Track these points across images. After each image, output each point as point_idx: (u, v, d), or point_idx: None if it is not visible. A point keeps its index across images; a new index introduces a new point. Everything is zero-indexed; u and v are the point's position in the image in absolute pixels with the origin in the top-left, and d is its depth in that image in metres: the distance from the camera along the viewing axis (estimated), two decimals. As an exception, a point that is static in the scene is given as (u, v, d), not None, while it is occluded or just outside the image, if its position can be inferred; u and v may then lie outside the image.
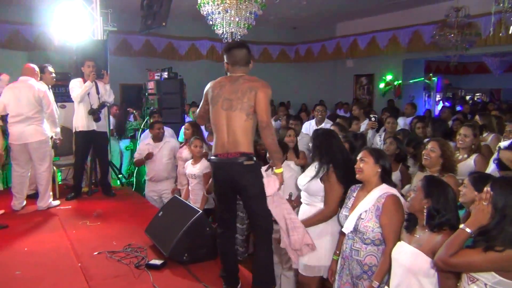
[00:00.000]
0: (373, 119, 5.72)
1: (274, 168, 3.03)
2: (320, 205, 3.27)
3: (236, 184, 2.92)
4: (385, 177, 2.87)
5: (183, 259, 3.48)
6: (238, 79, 2.97)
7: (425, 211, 2.35)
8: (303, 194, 3.44)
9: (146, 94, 8.21)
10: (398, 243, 2.51)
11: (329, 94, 13.55)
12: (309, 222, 3.24)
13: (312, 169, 3.34)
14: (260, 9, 6.24)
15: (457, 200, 2.47)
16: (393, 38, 11.26)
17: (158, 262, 3.50)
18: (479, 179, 2.59)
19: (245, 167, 2.86)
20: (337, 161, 3.21)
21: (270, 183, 2.94)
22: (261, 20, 7.85)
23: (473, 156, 3.98)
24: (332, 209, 3.19)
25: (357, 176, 2.91)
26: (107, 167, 6.12)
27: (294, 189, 3.72)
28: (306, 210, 3.37)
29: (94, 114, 5.59)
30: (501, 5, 5.27)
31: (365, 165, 2.85)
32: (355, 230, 2.80)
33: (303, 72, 14.67)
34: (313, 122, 6.45)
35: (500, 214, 1.95)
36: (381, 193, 2.79)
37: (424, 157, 3.41)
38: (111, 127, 8.01)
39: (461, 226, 2.06)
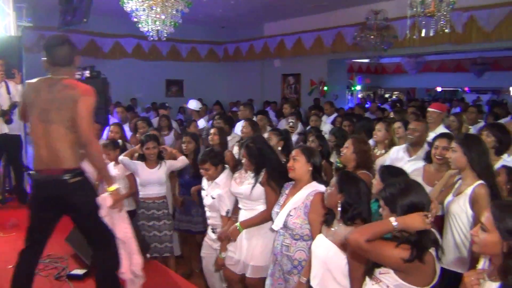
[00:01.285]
0: (291, 123, 5.81)
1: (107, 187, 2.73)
2: (261, 208, 3.29)
3: (64, 203, 2.64)
4: (315, 175, 2.95)
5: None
6: (57, 83, 2.61)
7: (339, 205, 2.42)
8: (242, 201, 3.42)
9: (67, 93, 7.71)
10: (317, 237, 2.58)
11: (257, 93, 13.70)
12: (252, 223, 3.27)
13: (248, 177, 3.34)
14: (186, 7, 6.13)
15: (370, 194, 2.57)
16: (318, 39, 11.63)
17: (80, 272, 3.33)
18: (386, 172, 2.75)
19: (71, 185, 2.59)
20: (272, 164, 3.26)
21: (102, 202, 2.68)
22: (189, 19, 7.72)
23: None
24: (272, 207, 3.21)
25: (289, 174, 2.96)
26: (22, 173, 5.66)
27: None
28: (247, 216, 3.35)
29: (4, 116, 5.15)
30: (415, 9, 5.62)
31: (297, 164, 2.90)
32: (285, 226, 2.85)
33: (231, 71, 14.72)
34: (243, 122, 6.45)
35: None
36: (310, 190, 2.86)
37: (341, 154, 3.55)
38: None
39: (391, 218, 2.02)
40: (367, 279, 2.13)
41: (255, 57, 13.67)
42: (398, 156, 4.04)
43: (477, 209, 2.67)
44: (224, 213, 3.53)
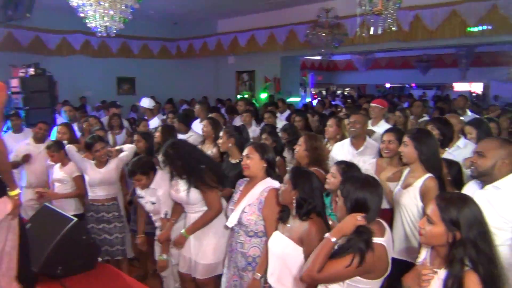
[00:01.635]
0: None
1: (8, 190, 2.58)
2: (205, 208, 3.26)
3: None
4: (269, 171, 2.96)
5: (56, 273, 3.16)
6: None
7: (294, 201, 2.46)
8: (186, 206, 3.37)
9: (10, 92, 7.34)
10: (274, 233, 2.61)
11: (211, 91, 13.61)
12: (196, 227, 3.23)
13: (181, 183, 3.28)
14: (136, 2, 5.96)
15: (322, 188, 2.63)
16: (271, 36, 11.71)
17: (28, 278, 3.13)
18: (347, 169, 2.83)
19: None
20: (198, 166, 3.19)
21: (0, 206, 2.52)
22: (140, 15, 7.53)
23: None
24: (216, 209, 3.21)
25: (244, 172, 2.96)
26: None
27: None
28: (195, 218, 3.30)
29: None
30: (364, 8, 5.77)
31: (251, 162, 2.90)
32: (239, 223, 2.85)
33: (185, 68, 14.51)
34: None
35: (349, 210, 2.10)
36: (264, 186, 2.87)
37: (295, 151, 3.60)
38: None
39: (327, 234, 2.12)
40: None
41: (208, 54, 13.56)
42: (343, 150, 4.12)
43: (426, 202, 2.77)
44: (162, 215, 3.48)
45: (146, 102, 7.02)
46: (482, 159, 2.46)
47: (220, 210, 3.22)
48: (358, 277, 2.06)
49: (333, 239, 2.07)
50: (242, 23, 12.38)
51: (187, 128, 5.48)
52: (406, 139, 2.97)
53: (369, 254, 1.99)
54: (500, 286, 1.75)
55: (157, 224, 3.63)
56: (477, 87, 18.12)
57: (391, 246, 2.20)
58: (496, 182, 2.44)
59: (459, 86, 18.11)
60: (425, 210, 2.72)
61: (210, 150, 4.46)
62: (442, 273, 1.85)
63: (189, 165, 3.19)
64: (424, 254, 2.04)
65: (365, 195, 2.08)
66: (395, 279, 2.23)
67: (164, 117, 6.98)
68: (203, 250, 3.24)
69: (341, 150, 4.14)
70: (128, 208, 4.43)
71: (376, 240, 2.04)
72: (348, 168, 2.84)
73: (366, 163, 3.71)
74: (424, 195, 2.83)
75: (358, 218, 2.04)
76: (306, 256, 2.35)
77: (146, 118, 6.86)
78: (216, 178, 3.21)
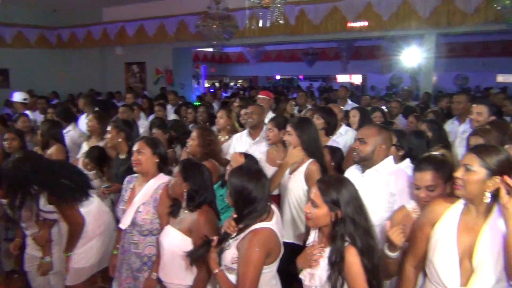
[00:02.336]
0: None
1: None
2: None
3: None
4: (162, 166, 2.86)
5: None
6: None
7: (185, 194, 2.43)
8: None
9: None
10: (165, 228, 2.55)
11: (99, 83, 12.81)
12: (71, 243, 3.01)
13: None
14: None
15: (212, 179, 2.62)
16: (161, 26, 11.36)
17: None
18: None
19: None
20: (42, 182, 2.91)
21: None
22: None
23: None
24: (75, 222, 2.98)
25: (135, 168, 2.80)
26: None
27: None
28: None
29: None
30: (252, 0, 5.86)
31: (143, 157, 2.77)
32: (133, 224, 2.72)
33: (68, 59, 13.42)
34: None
35: (235, 201, 2.18)
36: (158, 183, 2.77)
37: (187, 145, 3.57)
38: None
39: (214, 272, 2.18)
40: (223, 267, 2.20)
41: (94, 44, 12.72)
42: (242, 140, 4.23)
43: (310, 184, 2.97)
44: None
45: (17, 96, 6.42)
46: (363, 145, 2.64)
47: (81, 223, 2.99)
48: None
49: (216, 271, 2.16)
50: (130, 12, 11.80)
51: (67, 123, 5.11)
52: (289, 128, 3.16)
53: (259, 238, 2.08)
54: (374, 255, 1.95)
55: (28, 232, 3.27)
56: (356, 79, 19.73)
57: (281, 229, 2.30)
58: (375, 166, 2.64)
59: (341, 78, 19.54)
60: (308, 193, 2.90)
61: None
62: (327, 251, 2.01)
63: (28, 183, 2.85)
64: (313, 236, 2.17)
65: (250, 186, 2.13)
66: (285, 262, 2.34)
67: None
68: (87, 253, 3.06)
69: (239, 140, 4.24)
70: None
71: (262, 225, 2.12)
72: (248, 161, 2.87)
73: (256, 151, 3.80)
74: (307, 178, 3.04)
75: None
76: (195, 246, 2.35)
77: (22, 113, 6.21)
78: (76, 188, 2.97)
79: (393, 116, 5.94)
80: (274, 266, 2.22)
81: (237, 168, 2.33)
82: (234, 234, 2.17)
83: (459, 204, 1.94)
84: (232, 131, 4.51)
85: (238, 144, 4.18)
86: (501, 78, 16.55)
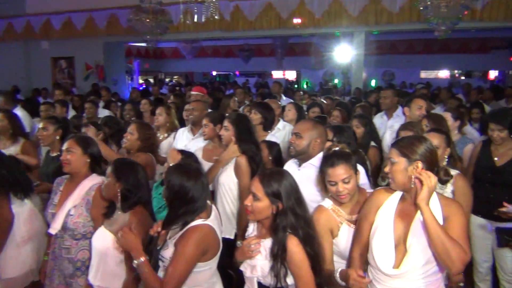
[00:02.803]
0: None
1: None
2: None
3: None
4: (94, 167, 2.74)
5: None
6: None
7: (118, 194, 2.33)
8: None
9: None
10: (97, 230, 2.44)
11: (23, 79, 11.98)
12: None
13: None
14: None
15: (147, 177, 2.55)
16: (90, 19, 10.85)
17: None
18: (184, 157, 2.81)
19: None
20: None
21: None
22: None
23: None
24: (3, 218, 2.78)
25: (64, 168, 2.66)
26: None
27: None
28: None
29: None
30: (186, -5, 5.79)
31: (73, 156, 2.63)
32: (64, 228, 2.58)
33: (-14, 53, 12.41)
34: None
35: (171, 200, 2.13)
36: (91, 184, 2.65)
37: (124, 140, 3.46)
38: None
39: (134, 263, 2.06)
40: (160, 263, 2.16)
41: (16, 37, 11.87)
42: (183, 136, 4.21)
43: (239, 175, 3.05)
44: None
45: None
46: (299, 139, 2.72)
47: (10, 221, 2.79)
48: (197, 263, 2.08)
49: (142, 259, 2.05)
50: (56, 4, 11.13)
51: None
52: (226, 123, 3.17)
53: (196, 235, 2.04)
54: (314, 243, 2.04)
55: None
56: (291, 75, 20.16)
57: (220, 225, 2.29)
58: (311, 159, 2.72)
59: (277, 74, 19.87)
60: (241, 184, 2.98)
61: (7, 146, 3.96)
62: (267, 242, 2.05)
63: None
64: (252, 228, 2.20)
65: (188, 185, 2.09)
66: (222, 257, 2.34)
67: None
68: (1, 265, 2.83)
69: (181, 136, 4.22)
70: None
71: (199, 222, 2.10)
72: (185, 158, 2.83)
73: (194, 147, 3.79)
74: (236, 171, 3.07)
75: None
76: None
77: None
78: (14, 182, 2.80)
79: (327, 112, 6.14)
80: (214, 263, 2.21)
81: (175, 166, 2.27)
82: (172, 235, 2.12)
83: (398, 193, 2.08)
84: (172, 129, 4.44)
85: (180, 139, 4.18)
86: (424, 74, 17.74)
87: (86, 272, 2.54)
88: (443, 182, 2.44)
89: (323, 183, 2.33)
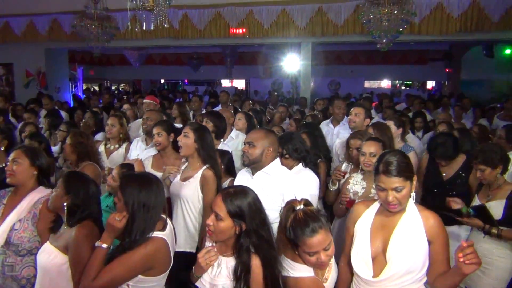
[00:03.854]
0: None
1: None
2: None
3: None
4: (41, 179, 2.63)
5: None
6: None
7: (65, 207, 2.24)
8: None
9: None
10: (43, 245, 2.32)
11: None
12: None
13: None
14: None
15: (99, 193, 2.46)
16: (31, 24, 10.38)
17: None
18: (126, 171, 2.77)
19: None
20: None
21: None
22: None
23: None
24: None
25: (8, 180, 2.53)
26: None
27: None
28: None
29: None
30: (134, 2, 5.67)
31: (19, 168, 2.52)
32: (7, 243, 2.44)
33: None
34: None
35: (131, 212, 2.03)
36: (38, 197, 2.54)
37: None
38: None
39: (97, 243, 2.03)
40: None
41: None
42: (137, 146, 4.14)
43: (206, 190, 2.96)
44: None
45: None
46: (252, 148, 2.73)
47: None
48: (141, 276, 2.03)
49: (104, 246, 2.01)
50: (-8, 7, 10.56)
51: None
52: (187, 130, 3.07)
53: (147, 248, 1.98)
54: (276, 265, 1.98)
55: None
56: (240, 84, 20.30)
57: (174, 240, 2.23)
58: (265, 168, 2.75)
59: (226, 83, 19.93)
60: (206, 199, 2.90)
61: None
62: (229, 261, 2.00)
63: None
64: (209, 242, 2.16)
65: (147, 194, 2.05)
66: (180, 270, 2.30)
67: None
68: None
69: (134, 146, 4.15)
70: None
71: (156, 234, 2.04)
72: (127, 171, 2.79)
73: (145, 156, 3.73)
74: (203, 184, 2.98)
75: (117, 218, 2.01)
76: (72, 264, 2.17)
77: None
78: None
79: (282, 120, 6.25)
80: (162, 279, 2.15)
81: (128, 175, 2.22)
82: None
83: (376, 204, 2.17)
84: (124, 140, 4.27)
85: (134, 150, 4.11)
86: (367, 84, 18.51)
87: (31, 290, 2.43)
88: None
89: (287, 246, 2.00)
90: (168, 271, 2.16)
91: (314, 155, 3.88)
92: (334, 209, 3.32)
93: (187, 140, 3.03)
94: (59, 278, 2.18)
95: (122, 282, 2.00)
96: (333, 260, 2.12)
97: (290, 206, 1.99)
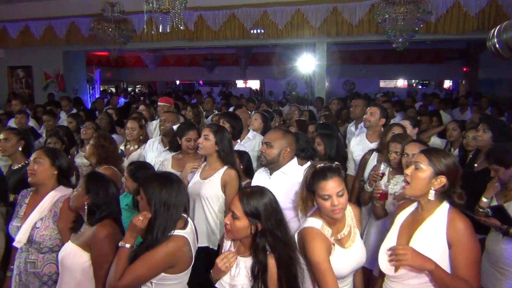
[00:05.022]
0: None
1: None
2: None
3: None
4: (61, 179, 2.70)
5: None
6: None
7: (85, 207, 2.30)
8: None
9: None
10: (65, 244, 2.38)
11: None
12: None
13: None
14: None
15: (118, 193, 2.50)
16: (49, 28, 10.58)
17: None
18: (135, 169, 2.82)
19: None
20: None
21: None
22: None
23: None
24: None
25: (29, 179, 2.62)
26: None
27: None
28: None
29: None
30: (151, 5, 5.75)
31: (40, 167, 2.60)
32: (30, 241, 2.52)
33: None
34: None
35: (153, 210, 2.07)
36: (58, 196, 2.61)
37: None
38: None
39: (120, 243, 2.08)
40: None
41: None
42: (154, 147, 4.15)
43: (229, 190, 2.98)
44: None
45: None
46: (269, 149, 2.75)
47: None
48: (163, 274, 2.07)
49: (127, 246, 2.06)
50: (12, 12, 10.76)
51: None
52: (208, 132, 3.08)
53: (168, 246, 2.03)
54: (293, 264, 2.02)
55: None
56: (254, 84, 20.34)
57: (195, 238, 2.27)
58: (282, 168, 2.78)
59: (240, 83, 20.00)
60: (227, 201, 2.92)
61: None
62: (247, 261, 2.04)
63: None
64: (229, 245, 2.20)
65: (169, 192, 2.09)
66: (201, 268, 2.33)
67: None
68: None
69: (151, 147, 4.16)
70: None
71: (177, 232, 2.09)
72: (136, 168, 2.83)
73: (165, 157, 3.77)
74: (226, 184, 3.00)
75: (140, 218, 2.05)
76: (94, 262, 2.23)
77: None
78: None
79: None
80: (185, 276, 2.19)
81: (150, 175, 2.27)
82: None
83: (414, 205, 2.17)
84: (143, 141, 4.34)
85: (150, 151, 4.12)
86: (383, 84, 18.37)
87: (53, 286, 2.50)
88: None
89: (306, 201, 2.23)
90: (190, 268, 2.20)
91: (329, 156, 3.87)
92: (373, 212, 3.23)
93: (207, 142, 3.06)
94: (82, 276, 2.24)
95: (146, 280, 2.05)
96: (358, 235, 2.27)
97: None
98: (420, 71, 16.87)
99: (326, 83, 9.96)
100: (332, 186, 2.11)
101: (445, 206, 2.04)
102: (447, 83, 18.87)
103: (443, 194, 2.03)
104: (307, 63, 11.38)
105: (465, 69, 15.55)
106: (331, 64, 10.51)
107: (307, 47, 11.04)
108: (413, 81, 19.58)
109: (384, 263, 2.10)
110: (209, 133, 3.07)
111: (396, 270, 2.05)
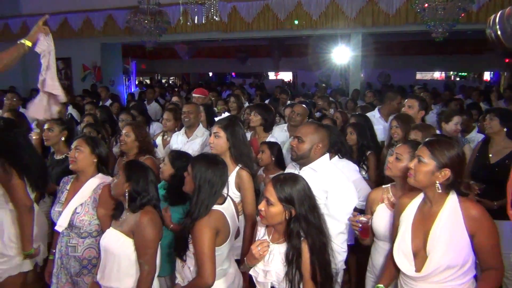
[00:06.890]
0: None
1: None
2: (7, 206, 2.82)
3: None
4: (101, 167, 2.78)
5: None
6: None
7: (126, 194, 2.36)
8: None
9: None
10: (107, 231, 2.44)
11: (19, 80, 11.91)
12: (25, 235, 2.79)
13: None
14: None
15: (156, 180, 2.55)
16: (87, 20, 10.86)
17: None
18: (176, 156, 2.86)
19: None
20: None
21: None
22: None
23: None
24: (23, 203, 2.77)
25: (70, 166, 2.71)
26: None
27: None
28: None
29: None
30: (186, -4, 5.82)
31: (80, 155, 2.68)
32: (70, 226, 2.61)
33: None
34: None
35: (197, 185, 2.26)
36: (97, 183, 2.68)
37: (121, 143, 3.45)
38: None
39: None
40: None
41: (11, 38, 11.80)
42: (178, 139, 4.18)
43: (244, 191, 2.87)
44: None
45: None
46: (300, 143, 2.64)
47: (30, 206, 2.81)
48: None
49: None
50: (52, 4, 11.07)
51: None
52: (218, 129, 2.90)
53: (209, 220, 2.20)
54: (326, 250, 2.04)
55: None
56: (287, 76, 20.24)
57: (234, 213, 2.40)
58: (312, 164, 2.65)
59: (272, 75, 19.94)
60: (244, 197, 2.87)
61: None
62: (282, 247, 2.07)
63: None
64: (262, 232, 2.22)
65: (214, 172, 2.27)
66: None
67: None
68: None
69: (175, 139, 4.19)
70: None
71: (214, 207, 2.25)
72: (177, 156, 2.87)
73: (190, 149, 3.80)
74: (239, 185, 2.87)
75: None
76: (137, 248, 2.30)
77: None
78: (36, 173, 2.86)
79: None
80: (225, 248, 2.29)
81: (200, 156, 2.43)
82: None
83: (419, 198, 2.12)
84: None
85: (174, 142, 4.17)
86: (419, 76, 17.87)
87: (92, 270, 2.58)
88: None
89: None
90: (229, 241, 2.31)
91: (362, 146, 3.90)
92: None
93: (218, 140, 2.89)
94: (125, 261, 2.31)
95: (214, 255, 2.19)
96: None
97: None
98: (459, 62, 16.29)
99: (361, 75, 9.78)
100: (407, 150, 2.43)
101: (453, 196, 2.01)
102: (487, 75, 18.15)
103: (449, 185, 2.00)
104: (342, 54, 11.21)
105: (507, 60, 14.89)
106: (366, 55, 10.30)
107: (341, 38, 10.87)
108: (451, 73, 18.94)
109: (403, 264, 2.06)
110: (219, 130, 2.89)
111: (418, 270, 2.01)
